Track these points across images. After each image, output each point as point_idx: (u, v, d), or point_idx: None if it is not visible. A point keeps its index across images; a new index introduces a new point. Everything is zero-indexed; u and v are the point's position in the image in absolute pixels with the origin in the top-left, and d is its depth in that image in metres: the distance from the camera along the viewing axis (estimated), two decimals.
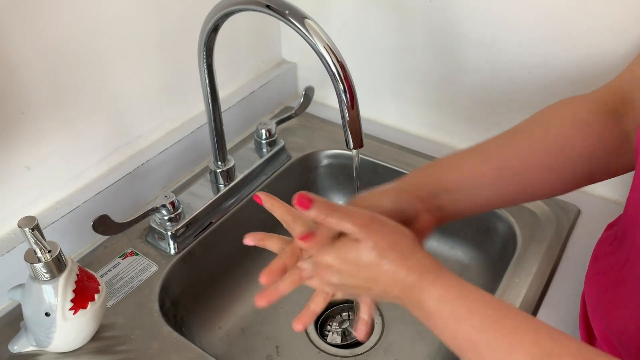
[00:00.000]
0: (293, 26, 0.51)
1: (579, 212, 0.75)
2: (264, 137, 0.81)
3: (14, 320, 0.61)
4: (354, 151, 0.52)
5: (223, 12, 0.57)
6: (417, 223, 0.48)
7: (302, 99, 0.85)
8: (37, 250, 0.51)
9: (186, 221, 0.70)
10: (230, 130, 0.81)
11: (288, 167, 0.84)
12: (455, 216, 0.51)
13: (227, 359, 0.72)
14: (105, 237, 0.71)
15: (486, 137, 0.54)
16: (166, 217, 0.69)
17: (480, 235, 0.79)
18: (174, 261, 0.69)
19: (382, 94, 0.90)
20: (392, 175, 0.82)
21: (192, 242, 0.71)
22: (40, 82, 0.61)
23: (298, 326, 0.48)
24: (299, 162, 0.86)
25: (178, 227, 0.69)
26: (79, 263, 0.57)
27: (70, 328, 0.55)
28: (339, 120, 0.52)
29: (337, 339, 0.75)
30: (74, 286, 0.54)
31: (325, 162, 0.88)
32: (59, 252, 0.52)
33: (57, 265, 0.52)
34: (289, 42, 0.96)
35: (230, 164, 0.76)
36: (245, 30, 0.87)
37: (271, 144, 0.82)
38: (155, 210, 0.68)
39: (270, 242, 0.48)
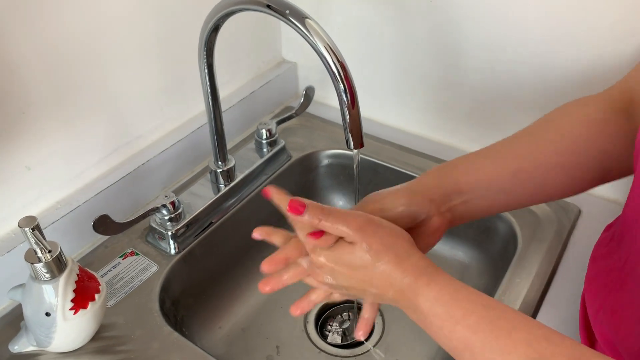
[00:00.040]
0: (293, 26, 0.51)
1: (579, 212, 0.74)
2: (264, 137, 0.81)
3: (15, 320, 0.61)
4: (355, 151, 0.52)
5: (223, 12, 0.57)
6: (429, 225, 0.48)
7: (302, 99, 0.85)
8: (38, 250, 0.51)
9: (186, 221, 0.70)
10: (230, 130, 0.81)
11: (288, 167, 0.84)
12: (467, 218, 0.50)
13: (228, 359, 0.72)
14: (105, 237, 0.70)
15: (486, 138, 0.54)
16: (166, 217, 0.69)
17: (481, 236, 0.79)
18: (175, 261, 0.69)
19: (382, 94, 0.90)
20: (392, 175, 0.82)
21: (193, 242, 0.71)
22: (40, 82, 0.61)
23: (296, 311, 0.49)
24: (299, 162, 0.86)
25: (178, 227, 0.69)
26: (79, 263, 0.57)
27: (71, 328, 0.55)
28: (340, 120, 0.52)
29: (338, 339, 0.75)
30: (74, 286, 0.54)
31: (325, 162, 0.88)
32: (60, 252, 0.52)
33: (58, 265, 0.52)
34: (289, 42, 0.96)
35: (231, 164, 0.76)
36: (245, 30, 0.87)
37: (271, 144, 0.82)
38: (155, 210, 0.68)
39: (275, 236, 0.48)
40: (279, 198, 0.45)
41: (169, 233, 0.69)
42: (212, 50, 0.63)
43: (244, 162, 0.80)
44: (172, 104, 0.79)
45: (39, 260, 0.51)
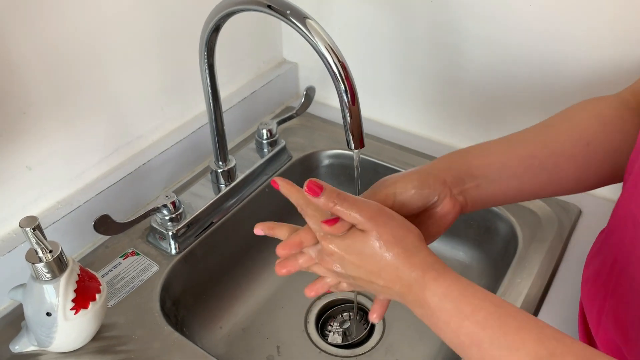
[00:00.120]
0: (294, 26, 0.51)
1: (580, 212, 0.74)
2: (265, 137, 0.81)
3: (15, 320, 0.61)
4: (356, 151, 0.52)
5: (224, 12, 0.57)
6: (440, 207, 0.48)
7: (303, 99, 0.85)
8: (39, 250, 0.51)
9: (187, 221, 0.70)
10: (231, 130, 0.81)
11: (289, 167, 0.84)
12: (480, 204, 0.50)
13: (228, 359, 0.72)
14: (106, 237, 0.71)
15: (487, 137, 0.54)
16: (167, 217, 0.69)
17: (482, 236, 0.79)
18: (175, 261, 0.69)
19: (383, 94, 0.90)
20: None
21: (193, 242, 0.71)
22: (40, 82, 0.61)
23: (310, 293, 0.49)
24: (300, 162, 0.86)
25: (179, 227, 0.69)
26: (80, 263, 0.57)
27: (72, 328, 0.55)
28: (340, 120, 0.52)
29: (338, 339, 0.75)
30: (75, 286, 0.54)
31: (326, 162, 0.88)
32: (60, 252, 0.52)
33: (59, 265, 0.52)
34: (290, 42, 0.96)
35: (231, 164, 0.76)
36: (246, 30, 0.87)
37: (272, 144, 0.82)
38: (156, 210, 0.68)
39: (279, 230, 0.48)
40: (288, 188, 0.46)
41: (170, 233, 0.69)
42: (212, 50, 0.63)
43: (245, 162, 0.80)
44: (172, 104, 0.79)
45: (40, 260, 0.51)
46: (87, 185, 0.70)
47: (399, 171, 0.51)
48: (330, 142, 0.88)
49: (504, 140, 0.52)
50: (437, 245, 0.83)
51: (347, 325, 0.76)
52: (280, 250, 0.46)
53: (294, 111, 0.85)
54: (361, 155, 0.84)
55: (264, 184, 0.80)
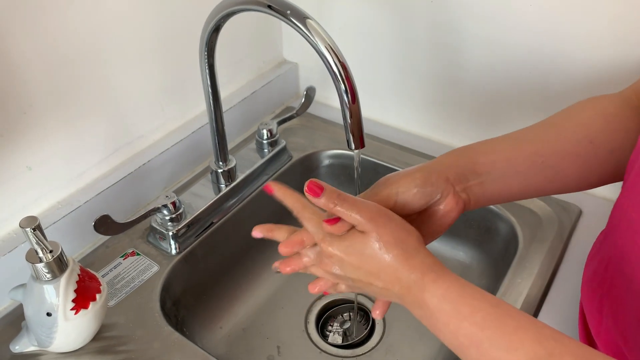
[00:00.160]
0: (294, 26, 0.51)
1: (580, 212, 0.74)
2: (265, 137, 0.81)
3: (16, 320, 0.61)
4: (356, 151, 0.52)
5: (225, 12, 0.57)
6: (442, 205, 0.48)
7: (303, 99, 0.85)
8: (39, 250, 0.51)
9: (187, 221, 0.70)
10: (231, 130, 0.81)
11: (289, 167, 0.84)
12: (483, 202, 0.50)
13: (228, 359, 0.72)
14: (106, 237, 0.71)
15: (487, 137, 0.53)
16: (167, 217, 0.69)
17: (482, 236, 0.79)
18: (175, 261, 0.69)
19: (383, 94, 0.90)
20: None
21: (194, 242, 0.71)
22: (41, 82, 0.61)
23: (314, 289, 0.48)
24: (300, 162, 0.86)
25: (179, 227, 0.69)
26: (80, 263, 0.57)
27: (72, 328, 0.55)
28: (340, 121, 0.52)
29: (339, 340, 0.75)
30: (75, 286, 0.54)
31: (326, 162, 0.88)
32: (61, 252, 0.52)
33: (59, 265, 0.52)
34: (290, 42, 0.96)
35: (232, 164, 0.76)
36: (246, 30, 0.87)
37: (272, 144, 0.82)
38: (156, 210, 0.68)
39: (278, 232, 0.48)
40: (283, 192, 0.46)
41: (170, 233, 0.69)
42: (213, 50, 0.63)
43: (245, 162, 0.80)
44: (173, 104, 0.79)
45: (40, 261, 0.51)
46: (88, 185, 0.70)
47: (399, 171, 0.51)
48: (331, 142, 0.88)
49: (508, 138, 0.52)
50: (437, 246, 0.83)
51: (347, 325, 0.76)
52: (282, 249, 0.46)
53: (294, 111, 0.85)
54: (361, 155, 0.84)
55: (264, 184, 0.80)
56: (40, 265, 0.51)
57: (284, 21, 0.52)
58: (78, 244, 0.69)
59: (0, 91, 0.57)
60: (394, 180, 0.48)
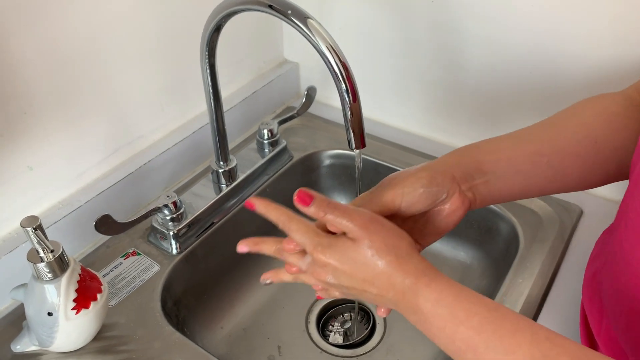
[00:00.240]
0: (295, 26, 0.51)
1: (581, 212, 0.74)
2: (266, 137, 0.81)
3: (17, 320, 0.61)
4: (357, 151, 0.52)
5: (226, 12, 0.57)
6: (448, 204, 0.48)
7: (304, 99, 0.85)
8: (40, 250, 0.51)
9: (188, 221, 0.70)
10: (232, 130, 0.81)
11: (290, 167, 0.84)
12: (488, 200, 0.50)
13: (229, 359, 0.72)
14: (107, 237, 0.71)
15: (488, 137, 0.53)
16: (168, 217, 0.69)
17: (483, 236, 0.79)
18: (176, 261, 0.69)
19: (384, 94, 0.90)
20: None
21: (194, 242, 0.71)
22: (42, 82, 0.61)
23: (318, 286, 0.47)
24: (301, 162, 0.86)
25: (180, 227, 0.69)
26: (81, 263, 0.57)
27: (73, 328, 0.55)
28: (341, 120, 0.52)
29: (339, 340, 0.75)
30: (76, 286, 0.54)
31: (327, 162, 0.88)
32: (62, 252, 0.52)
33: (60, 265, 0.52)
34: (291, 42, 0.96)
35: (232, 164, 0.76)
36: (247, 30, 0.87)
37: (273, 144, 0.82)
38: (157, 210, 0.68)
39: (265, 245, 0.47)
40: (265, 206, 0.45)
41: (171, 233, 0.69)
42: (214, 50, 0.63)
43: (246, 162, 0.80)
44: (173, 103, 0.79)
45: (41, 260, 0.51)
46: (88, 185, 0.70)
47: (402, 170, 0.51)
48: (331, 142, 0.88)
49: (512, 136, 0.52)
50: (438, 246, 0.82)
51: (348, 325, 0.76)
52: (286, 246, 0.45)
53: (295, 111, 0.85)
54: (362, 155, 0.84)
55: (265, 184, 0.80)
56: (41, 265, 0.51)
57: (285, 21, 0.52)
58: (79, 244, 0.70)
59: (1, 91, 0.57)
60: (399, 180, 0.47)
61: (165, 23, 0.73)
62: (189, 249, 0.70)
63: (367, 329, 0.75)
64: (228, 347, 0.73)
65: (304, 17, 0.51)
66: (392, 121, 0.92)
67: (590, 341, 0.54)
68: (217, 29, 0.60)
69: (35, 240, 0.50)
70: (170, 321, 0.62)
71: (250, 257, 0.80)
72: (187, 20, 0.74)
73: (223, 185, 0.76)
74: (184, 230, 0.70)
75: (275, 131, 0.82)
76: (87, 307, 0.55)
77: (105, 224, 0.62)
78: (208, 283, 0.75)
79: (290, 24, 0.51)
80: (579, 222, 0.73)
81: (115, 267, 0.68)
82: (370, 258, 0.41)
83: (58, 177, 0.67)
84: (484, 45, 0.76)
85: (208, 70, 0.65)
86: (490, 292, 0.71)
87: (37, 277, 0.52)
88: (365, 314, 0.78)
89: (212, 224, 0.74)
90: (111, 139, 0.72)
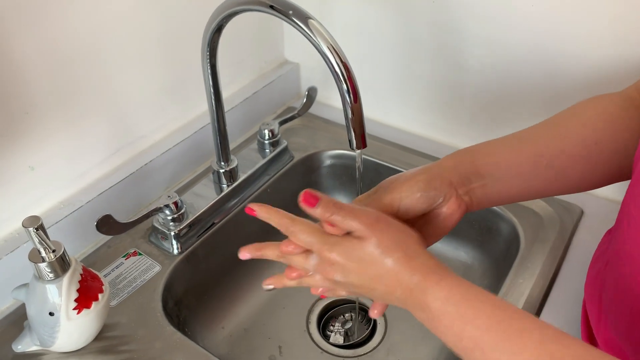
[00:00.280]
0: (297, 26, 0.51)
1: (582, 213, 0.74)
2: (266, 137, 0.81)
3: (18, 320, 0.61)
4: (358, 151, 0.52)
5: (227, 12, 0.57)
6: (445, 208, 0.48)
7: (304, 99, 0.85)
8: (42, 250, 0.51)
9: (189, 221, 0.70)
10: (233, 131, 0.81)
11: (291, 167, 0.84)
12: (486, 203, 0.50)
13: (230, 359, 0.72)
14: (108, 237, 0.71)
15: (489, 138, 0.54)
16: (169, 217, 0.69)
17: (484, 236, 0.79)
18: (177, 261, 0.69)
19: (384, 94, 0.90)
20: None
21: (195, 242, 0.71)
22: (43, 82, 0.61)
23: (317, 291, 0.47)
24: (301, 163, 0.86)
25: (181, 227, 0.69)
26: (82, 263, 0.57)
27: (74, 328, 0.55)
28: (342, 121, 0.52)
29: (340, 340, 0.75)
30: (77, 286, 0.54)
31: (328, 162, 0.88)
32: (63, 252, 0.52)
33: (61, 265, 0.52)
34: (291, 43, 0.96)
35: (233, 164, 0.76)
36: (247, 30, 0.87)
37: (274, 144, 0.82)
38: (158, 210, 0.68)
39: (267, 250, 0.47)
40: (266, 212, 0.45)
41: (172, 233, 0.69)
42: (215, 50, 0.63)
43: (247, 163, 0.80)
44: (174, 104, 0.79)
45: (43, 260, 0.51)
46: (90, 185, 0.70)
47: (400, 171, 0.51)
48: (332, 142, 0.88)
49: (511, 138, 0.52)
50: (439, 246, 0.82)
51: (349, 325, 0.76)
52: (285, 248, 0.45)
53: (296, 111, 0.85)
54: (363, 156, 0.84)
55: (266, 184, 0.81)
56: (43, 265, 0.51)
57: (286, 21, 0.52)
58: (80, 244, 0.70)
59: (2, 91, 0.57)
60: (397, 185, 0.48)
61: (167, 23, 0.73)
62: (190, 249, 0.71)
63: (367, 329, 0.75)
64: (229, 347, 0.73)
65: (305, 18, 0.51)
66: (393, 121, 0.92)
67: (592, 342, 0.54)
68: (219, 29, 0.60)
69: (37, 240, 0.50)
70: (171, 321, 0.62)
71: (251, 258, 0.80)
72: (188, 20, 0.74)
73: (224, 186, 0.76)
74: (185, 230, 0.70)
75: (276, 131, 0.82)
76: (88, 307, 0.55)
77: (106, 224, 0.62)
78: (209, 283, 0.75)
79: (291, 24, 0.52)
80: (579, 223, 0.73)
81: (117, 267, 0.68)
82: (378, 256, 0.41)
83: (59, 177, 0.67)
84: (484, 46, 0.76)
85: (209, 71, 0.65)
86: (491, 292, 0.71)
87: (39, 277, 0.52)
88: (366, 314, 0.78)
89: (213, 224, 0.74)
90: (112, 139, 0.72)
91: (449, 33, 0.78)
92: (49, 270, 0.52)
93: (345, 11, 0.85)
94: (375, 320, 0.76)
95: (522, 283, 0.65)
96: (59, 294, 0.53)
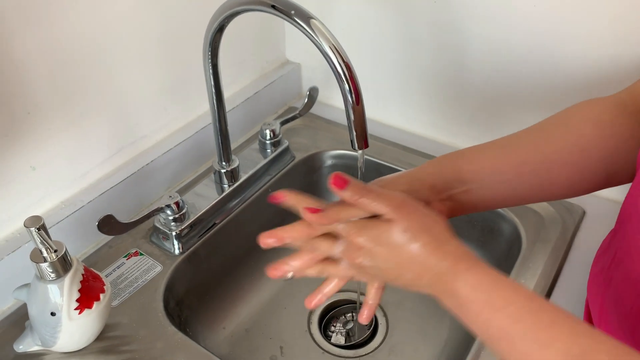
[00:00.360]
0: (299, 26, 0.51)
1: (584, 213, 0.74)
2: (268, 137, 0.81)
3: (19, 320, 0.61)
4: (359, 151, 0.52)
5: (229, 12, 0.57)
6: None
7: (306, 100, 0.85)
8: (43, 250, 0.51)
9: (191, 221, 0.70)
10: (234, 131, 0.81)
11: (292, 167, 0.84)
12: (470, 208, 0.50)
13: (231, 359, 0.72)
14: (109, 237, 0.71)
15: (490, 138, 0.54)
16: (171, 217, 0.69)
17: (485, 236, 0.79)
18: (179, 261, 0.69)
19: (386, 94, 0.90)
20: None
21: (197, 242, 0.71)
22: (45, 82, 0.61)
23: (310, 304, 0.48)
24: (303, 163, 0.86)
25: (182, 227, 0.69)
26: (83, 263, 0.57)
27: (76, 328, 0.55)
28: (343, 121, 0.52)
29: (341, 340, 0.75)
30: (79, 286, 0.54)
31: (329, 162, 0.88)
32: (65, 252, 0.52)
33: (63, 265, 0.52)
34: (292, 43, 0.96)
35: (235, 164, 0.76)
36: (249, 30, 0.87)
37: (275, 145, 0.82)
38: (159, 210, 0.68)
39: (293, 231, 0.45)
40: (296, 199, 0.44)
41: (173, 233, 0.69)
42: (216, 50, 0.63)
43: (248, 163, 0.80)
44: (176, 104, 0.79)
45: (45, 260, 0.51)
46: (91, 185, 0.70)
47: (400, 171, 0.51)
48: (334, 142, 0.88)
49: (497, 144, 0.52)
50: None
51: (350, 325, 0.76)
52: (310, 215, 0.43)
53: (297, 111, 0.85)
54: (364, 156, 0.84)
55: (267, 184, 0.81)
56: (44, 265, 0.51)
57: (288, 21, 0.52)
58: (81, 244, 0.70)
59: (4, 91, 0.57)
60: (382, 184, 0.48)
61: (168, 23, 0.73)
62: (191, 249, 0.71)
63: (369, 329, 0.75)
64: (230, 348, 0.73)
65: (307, 18, 0.51)
66: (394, 121, 0.92)
67: None
68: (220, 30, 0.60)
69: (38, 240, 0.50)
70: (173, 321, 0.62)
71: (252, 257, 0.81)
72: (189, 20, 0.74)
73: (225, 186, 0.76)
74: (186, 230, 0.70)
75: (277, 131, 0.82)
76: (90, 307, 0.55)
77: (107, 224, 0.62)
78: (210, 283, 0.75)
79: (293, 24, 0.52)
80: (581, 223, 0.73)
81: (118, 267, 0.68)
82: (406, 240, 0.41)
83: (61, 177, 0.67)
84: (485, 46, 0.76)
85: (211, 71, 0.65)
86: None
87: (41, 277, 0.52)
88: None
89: (215, 224, 0.74)
90: (114, 139, 0.72)
91: (449, 33, 0.78)
92: (51, 270, 0.52)
93: (347, 11, 0.85)
94: (376, 321, 0.76)
95: (524, 283, 0.65)
96: (61, 294, 0.53)
